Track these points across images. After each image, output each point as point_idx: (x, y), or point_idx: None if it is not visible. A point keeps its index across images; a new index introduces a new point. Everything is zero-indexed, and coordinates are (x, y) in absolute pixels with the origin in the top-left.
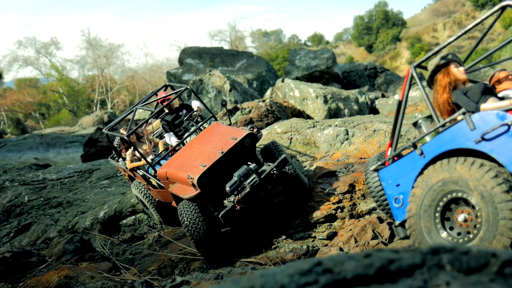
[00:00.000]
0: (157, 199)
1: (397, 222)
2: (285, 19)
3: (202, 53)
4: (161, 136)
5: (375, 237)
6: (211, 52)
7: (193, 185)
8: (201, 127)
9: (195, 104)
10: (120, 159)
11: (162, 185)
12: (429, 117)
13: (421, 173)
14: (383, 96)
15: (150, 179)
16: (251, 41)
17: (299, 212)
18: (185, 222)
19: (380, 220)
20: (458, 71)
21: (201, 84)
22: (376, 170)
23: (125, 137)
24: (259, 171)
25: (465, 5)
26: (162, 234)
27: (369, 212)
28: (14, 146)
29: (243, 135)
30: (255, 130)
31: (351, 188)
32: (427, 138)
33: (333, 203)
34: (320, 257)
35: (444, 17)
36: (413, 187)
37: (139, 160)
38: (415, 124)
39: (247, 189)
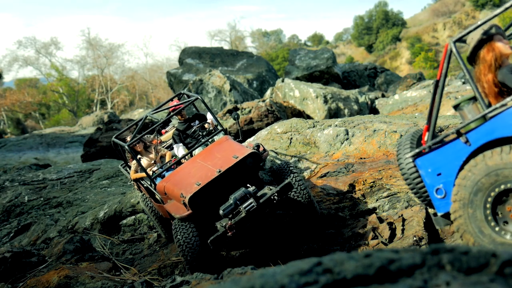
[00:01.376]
0: (161, 217)
1: (439, 214)
2: (285, 19)
3: (202, 53)
4: (171, 147)
5: (375, 237)
6: (211, 52)
7: (184, 204)
8: (210, 140)
9: (209, 117)
10: (127, 168)
11: (161, 199)
12: (472, 98)
13: (466, 162)
14: (383, 96)
15: (153, 192)
16: (251, 41)
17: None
18: (179, 241)
19: (380, 220)
20: (503, 45)
21: (201, 84)
22: (413, 157)
23: (126, 147)
24: (258, 195)
25: (465, 5)
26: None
27: (369, 212)
28: (14, 146)
29: (245, 154)
30: (261, 149)
31: (351, 188)
32: (472, 125)
33: (333, 203)
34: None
35: (444, 17)
36: (457, 177)
37: (143, 171)
38: (456, 107)
39: (242, 214)
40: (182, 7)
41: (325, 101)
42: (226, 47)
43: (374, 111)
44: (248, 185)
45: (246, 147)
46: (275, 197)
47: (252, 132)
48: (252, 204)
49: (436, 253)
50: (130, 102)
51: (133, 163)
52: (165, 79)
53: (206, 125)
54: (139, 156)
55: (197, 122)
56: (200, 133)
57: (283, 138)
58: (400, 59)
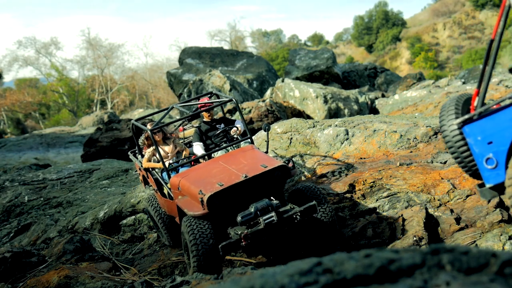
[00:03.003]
0: (168, 219)
1: (488, 185)
2: (285, 19)
3: (202, 53)
4: (189, 145)
5: (375, 237)
6: (211, 52)
7: (201, 202)
8: (233, 147)
9: (238, 124)
10: (140, 156)
11: (172, 195)
12: None
13: None
14: (383, 96)
15: (162, 185)
16: (251, 41)
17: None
18: (195, 239)
19: (380, 220)
20: None
21: (201, 84)
22: (460, 124)
23: (149, 131)
24: (280, 210)
25: (465, 5)
26: None
27: (369, 212)
28: (14, 146)
29: (274, 165)
30: (290, 164)
31: (351, 188)
32: None
33: (333, 203)
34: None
35: (444, 17)
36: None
37: (158, 161)
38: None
39: (261, 226)
40: (182, 7)
41: (325, 101)
42: (226, 47)
43: (374, 111)
44: (271, 197)
45: (276, 159)
46: (297, 216)
47: (252, 132)
48: (273, 218)
49: (436, 253)
50: (130, 102)
51: (148, 151)
52: (165, 79)
53: (232, 130)
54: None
55: (222, 125)
56: (226, 137)
57: (283, 138)
58: (400, 59)
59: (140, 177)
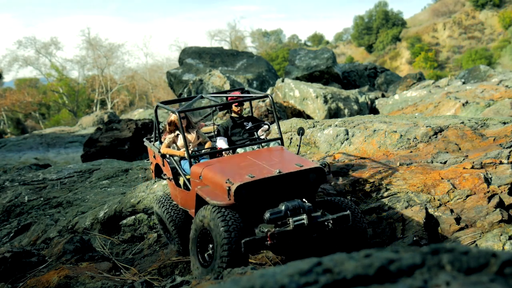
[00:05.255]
0: (180, 222)
1: None
2: (285, 19)
3: (202, 53)
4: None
5: (375, 237)
6: (211, 52)
7: (228, 191)
8: (261, 146)
9: (266, 125)
10: (157, 143)
11: (189, 185)
12: None
13: None
14: (383, 96)
15: (178, 175)
16: (251, 41)
17: None
18: (227, 226)
19: (380, 220)
20: None
21: (201, 84)
22: None
23: (176, 113)
24: (312, 214)
25: (465, 5)
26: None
27: (369, 212)
28: (14, 146)
29: (310, 166)
30: (326, 168)
31: (351, 188)
32: None
33: None
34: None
35: (444, 17)
36: None
37: (178, 149)
38: None
39: (290, 227)
40: (182, 7)
41: (325, 101)
42: (226, 47)
43: (374, 111)
44: (304, 199)
45: (312, 161)
46: (330, 224)
47: None
48: (304, 220)
49: (436, 253)
50: (130, 102)
51: (169, 137)
52: (165, 79)
53: (260, 131)
54: (177, 132)
55: (250, 123)
56: (253, 135)
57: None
58: (400, 59)
59: (152, 167)
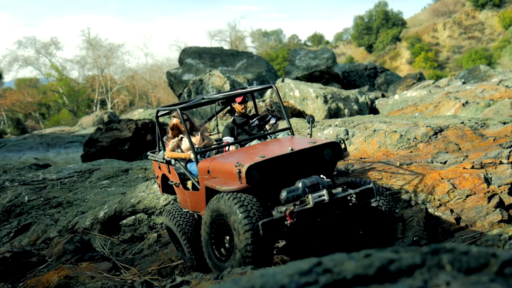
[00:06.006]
0: (193, 233)
1: None
2: (285, 19)
3: (202, 53)
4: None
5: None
6: (211, 52)
7: (239, 174)
8: (270, 137)
9: (273, 120)
10: (161, 153)
11: (198, 184)
12: None
13: None
14: (383, 96)
15: (186, 179)
16: (251, 41)
17: None
18: (247, 212)
19: None
20: None
21: (201, 84)
22: None
23: (178, 110)
24: (332, 190)
25: (465, 5)
26: (162, 234)
27: None
28: (14, 146)
29: (324, 142)
30: (342, 144)
31: None
32: None
33: None
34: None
35: (444, 17)
36: None
37: (191, 147)
38: None
39: (309, 205)
40: (182, 7)
41: (325, 101)
42: (226, 47)
43: (374, 111)
44: (322, 176)
45: (326, 139)
46: (353, 198)
47: None
48: (324, 196)
49: (436, 253)
50: (130, 102)
51: (172, 141)
52: (165, 79)
53: (267, 126)
54: (181, 136)
55: (256, 121)
56: (261, 129)
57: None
58: (400, 59)
59: (158, 181)
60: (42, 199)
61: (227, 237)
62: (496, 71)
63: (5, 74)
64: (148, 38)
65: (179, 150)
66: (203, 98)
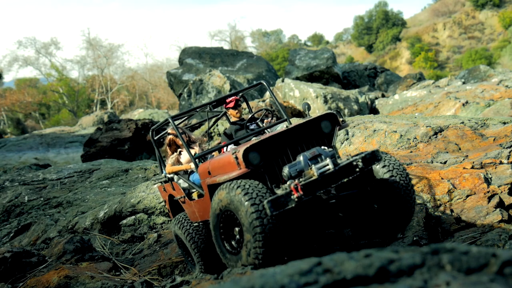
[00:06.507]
0: (203, 243)
1: None
2: (285, 19)
3: (202, 53)
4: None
5: (375, 236)
6: (211, 52)
7: (236, 160)
8: (268, 131)
9: (268, 118)
10: (163, 174)
11: (202, 190)
12: None
13: None
14: (383, 96)
15: (191, 189)
16: (251, 41)
17: None
18: (252, 199)
19: None
20: None
21: (201, 84)
22: None
23: (170, 119)
24: (337, 160)
25: (465, 5)
26: (162, 234)
27: None
28: (14, 146)
29: (320, 114)
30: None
31: None
32: None
33: None
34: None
35: (444, 17)
36: None
37: (190, 156)
38: None
39: (314, 176)
40: (182, 7)
41: (325, 101)
42: (226, 47)
43: (374, 111)
44: (323, 147)
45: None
46: (359, 163)
47: None
48: (328, 165)
49: (436, 253)
50: (130, 102)
51: (171, 157)
52: (165, 79)
53: (265, 122)
54: (179, 150)
55: (254, 124)
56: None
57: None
58: (400, 59)
59: (167, 206)
60: (42, 199)
61: (237, 229)
62: (496, 71)
63: (5, 74)
64: (148, 38)
65: (180, 165)
66: (195, 109)
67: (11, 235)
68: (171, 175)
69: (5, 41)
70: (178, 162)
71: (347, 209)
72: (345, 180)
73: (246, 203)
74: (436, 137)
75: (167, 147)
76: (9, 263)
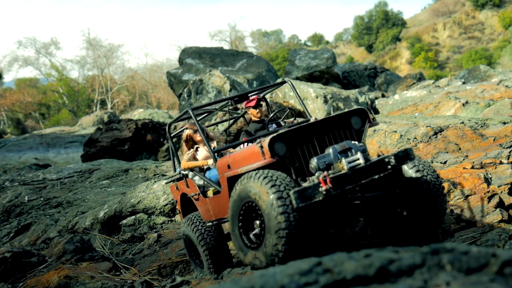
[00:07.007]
0: (214, 243)
1: None
2: (285, 19)
3: (202, 53)
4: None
5: (375, 237)
6: (211, 52)
7: (261, 149)
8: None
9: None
10: (177, 171)
11: (219, 187)
12: None
13: None
14: (383, 96)
15: (206, 186)
16: (251, 41)
17: None
18: (277, 186)
19: None
20: None
21: (201, 84)
22: None
23: (190, 110)
24: (368, 156)
25: (465, 5)
26: (162, 234)
27: None
28: (14, 146)
29: (351, 109)
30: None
31: None
32: None
33: None
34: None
35: (444, 17)
36: None
37: (210, 151)
38: None
39: (344, 170)
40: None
41: (325, 101)
42: (226, 47)
43: (374, 111)
44: (354, 142)
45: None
46: (391, 160)
47: None
48: (359, 160)
49: (436, 253)
50: (130, 102)
51: (188, 153)
52: (165, 79)
53: (288, 122)
54: (196, 146)
55: (274, 125)
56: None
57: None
58: (400, 59)
59: (178, 206)
60: (42, 199)
61: (257, 222)
62: (496, 71)
63: (5, 74)
64: (148, 38)
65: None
66: (216, 102)
67: (11, 235)
68: (186, 172)
69: (5, 41)
70: (194, 158)
71: (371, 212)
72: (376, 177)
73: (272, 194)
74: (436, 137)
75: (184, 143)
76: (9, 263)
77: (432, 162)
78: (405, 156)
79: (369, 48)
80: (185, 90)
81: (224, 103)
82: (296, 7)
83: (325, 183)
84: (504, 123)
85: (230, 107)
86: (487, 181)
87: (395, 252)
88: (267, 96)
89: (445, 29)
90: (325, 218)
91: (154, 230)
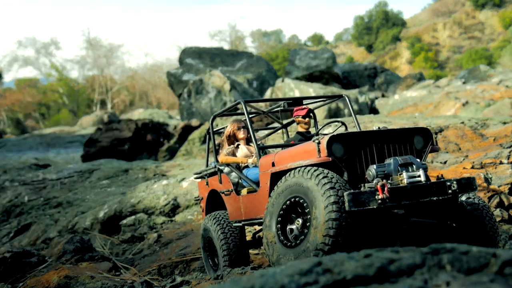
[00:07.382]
0: (236, 246)
1: None
2: (285, 19)
3: (202, 53)
4: None
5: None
6: (211, 52)
7: (318, 146)
8: None
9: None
10: (210, 164)
11: (257, 186)
12: None
13: None
14: (383, 96)
15: (241, 183)
16: (251, 41)
17: None
18: (332, 183)
19: None
20: None
21: (201, 84)
22: None
23: (242, 102)
24: (428, 176)
25: (465, 5)
26: (162, 234)
27: None
28: (14, 146)
29: (415, 127)
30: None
31: None
32: None
33: None
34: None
35: (444, 17)
36: None
37: (255, 144)
38: None
39: (403, 184)
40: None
41: None
42: (226, 47)
43: (374, 111)
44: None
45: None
46: (453, 185)
47: None
48: (420, 178)
49: (436, 253)
50: (130, 102)
51: (227, 148)
52: (165, 79)
53: None
54: (237, 143)
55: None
56: None
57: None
58: (400, 59)
59: (202, 204)
60: (42, 199)
61: (300, 220)
62: (496, 71)
63: (5, 74)
64: (148, 38)
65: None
66: (269, 100)
67: (11, 235)
68: (223, 167)
69: (5, 41)
70: (233, 155)
71: (418, 240)
72: (435, 198)
73: (327, 193)
74: (436, 137)
75: (225, 139)
76: (9, 263)
77: (432, 162)
78: (467, 184)
79: (369, 48)
80: (185, 90)
81: (274, 106)
82: (296, 7)
83: (382, 191)
84: (504, 123)
85: (278, 109)
86: (487, 181)
87: (395, 252)
88: (267, 95)
89: (445, 29)
90: (369, 233)
91: (154, 230)
